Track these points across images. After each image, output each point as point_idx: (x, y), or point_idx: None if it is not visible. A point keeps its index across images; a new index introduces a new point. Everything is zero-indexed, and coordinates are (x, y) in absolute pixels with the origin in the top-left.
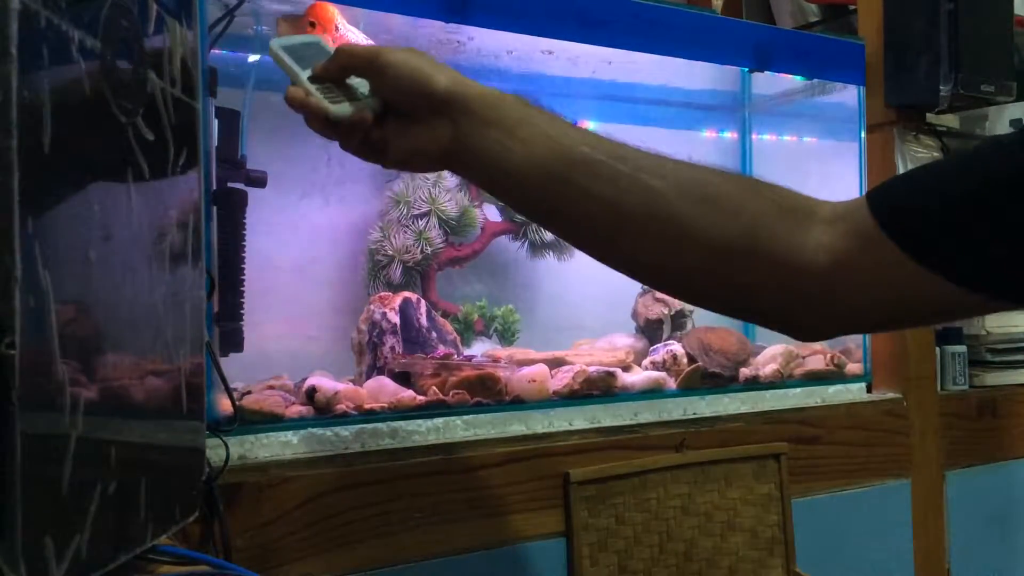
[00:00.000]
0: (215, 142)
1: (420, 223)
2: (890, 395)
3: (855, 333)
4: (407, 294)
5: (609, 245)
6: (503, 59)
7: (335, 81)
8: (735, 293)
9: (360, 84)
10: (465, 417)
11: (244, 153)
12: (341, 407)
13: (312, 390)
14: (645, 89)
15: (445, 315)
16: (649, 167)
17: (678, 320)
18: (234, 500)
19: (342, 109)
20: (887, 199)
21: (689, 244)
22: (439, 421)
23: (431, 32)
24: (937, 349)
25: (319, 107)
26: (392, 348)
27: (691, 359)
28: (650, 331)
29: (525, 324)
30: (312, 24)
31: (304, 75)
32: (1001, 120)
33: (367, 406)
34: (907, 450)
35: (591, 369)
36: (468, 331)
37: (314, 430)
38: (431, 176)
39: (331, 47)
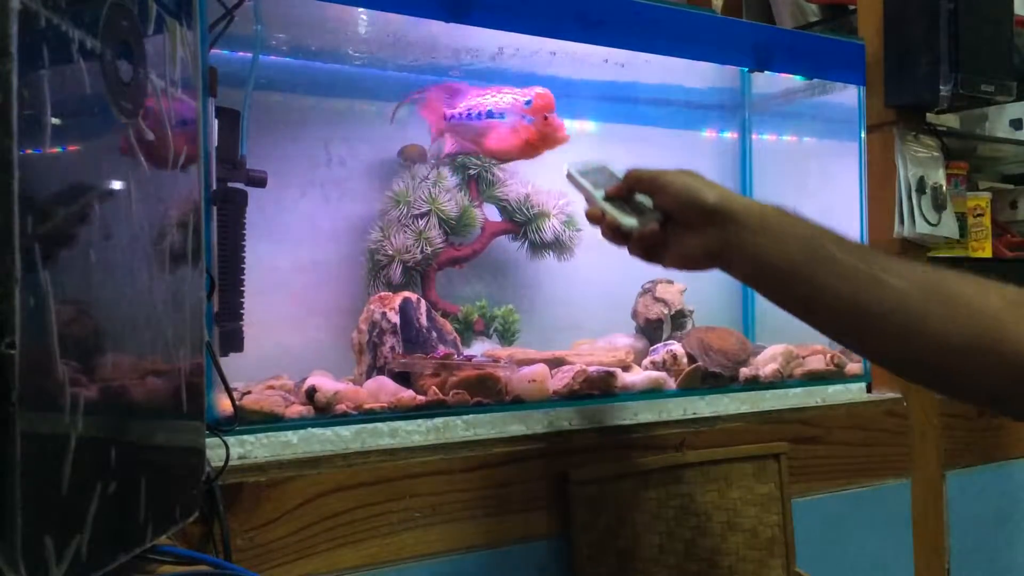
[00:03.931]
0: (215, 142)
1: (420, 223)
2: (890, 395)
3: None
4: (407, 294)
5: (852, 336)
6: (502, 59)
7: (624, 199)
8: (973, 387)
9: (644, 200)
10: (465, 417)
11: (244, 153)
12: (341, 407)
13: (312, 390)
14: (645, 89)
15: (445, 315)
16: (891, 268)
17: (678, 320)
18: (234, 500)
19: (631, 222)
20: None
21: (927, 341)
22: (439, 421)
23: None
24: None
25: (613, 221)
26: (392, 348)
27: (691, 359)
28: (650, 331)
29: (525, 324)
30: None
31: (599, 195)
32: (1001, 120)
33: (367, 406)
34: (907, 450)
35: (591, 369)
36: (468, 331)
37: (314, 430)
38: (431, 176)
39: (617, 170)
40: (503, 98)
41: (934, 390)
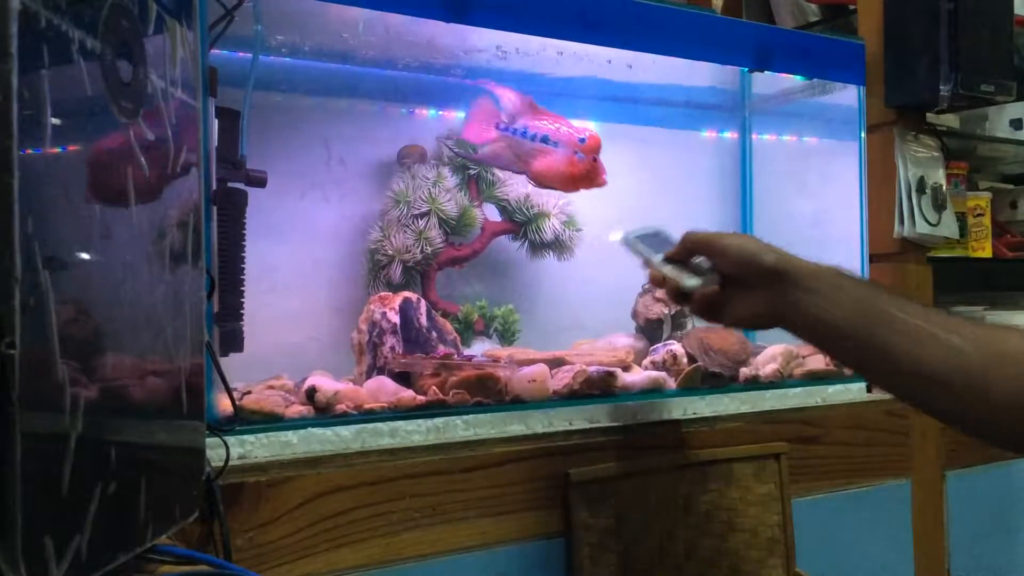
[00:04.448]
0: (215, 142)
1: (420, 223)
2: (890, 395)
3: None
4: (407, 294)
5: (911, 394)
6: (505, 58)
7: (682, 261)
8: None
9: (701, 261)
10: (465, 417)
11: (244, 153)
12: (341, 407)
13: (312, 390)
14: (645, 89)
15: (445, 315)
16: (948, 326)
17: (678, 320)
18: (234, 500)
19: (693, 282)
20: None
21: (986, 398)
22: (439, 421)
23: None
24: None
25: (675, 282)
26: (392, 348)
27: (691, 359)
28: (650, 331)
29: (525, 324)
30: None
31: (657, 259)
32: (1001, 120)
33: (367, 406)
34: (907, 450)
35: (591, 369)
36: (468, 331)
37: (314, 430)
38: (431, 176)
39: (670, 233)
40: (560, 128)
41: (997, 446)
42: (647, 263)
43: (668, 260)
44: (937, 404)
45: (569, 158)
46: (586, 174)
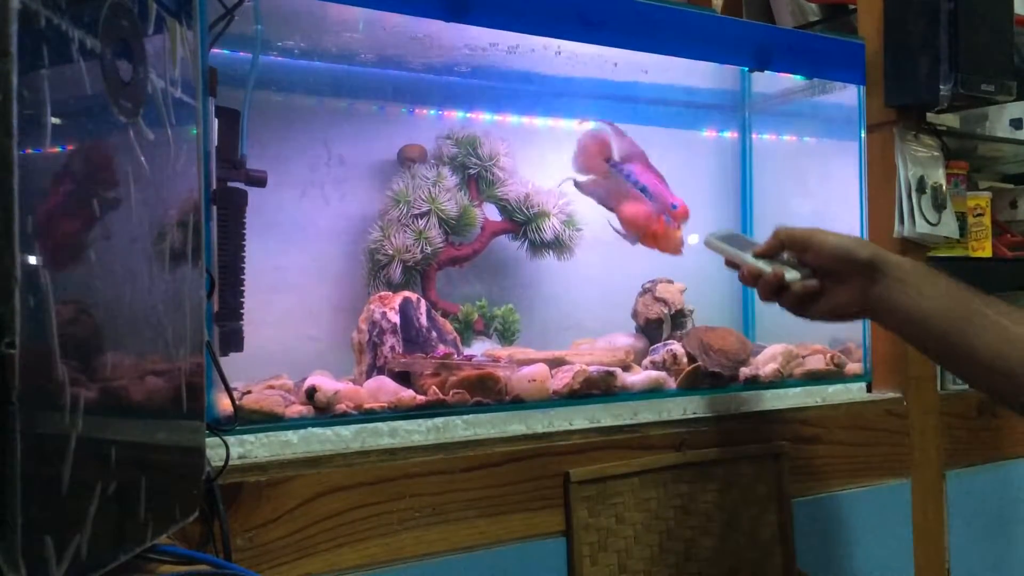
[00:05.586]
0: (215, 142)
1: (420, 223)
2: (890, 395)
3: None
4: (407, 293)
5: (990, 385)
6: (499, 56)
7: (771, 256)
8: None
9: (790, 257)
10: (465, 417)
11: (244, 153)
12: (341, 407)
13: (312, 390)
14: (646, 88)
15: (445, 315)
16: None
17: (678, 320)
18: (234, 500)
19: (794, 275)
20: None
21: None
22: (439, 421)
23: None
24: None
25: (777, 275)
26: (392, 348)
27: (691, 359)
28: (650, 331)
29: (525, 324)
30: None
31: (748, 256)
32: (1001, 120)
33: (367, 406)
34: (907, 450)
35: (591, 369)
36: (468, 331)
37: (314, 430)
38: (431, 175)
39: (750, 236)
40: (660, 186)
41: None
42: (737, 261)
43: (761, 256)
44: (1014, 399)
45: (658, 216)
46: (666, 237)
